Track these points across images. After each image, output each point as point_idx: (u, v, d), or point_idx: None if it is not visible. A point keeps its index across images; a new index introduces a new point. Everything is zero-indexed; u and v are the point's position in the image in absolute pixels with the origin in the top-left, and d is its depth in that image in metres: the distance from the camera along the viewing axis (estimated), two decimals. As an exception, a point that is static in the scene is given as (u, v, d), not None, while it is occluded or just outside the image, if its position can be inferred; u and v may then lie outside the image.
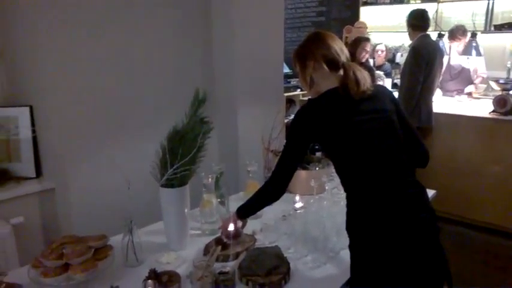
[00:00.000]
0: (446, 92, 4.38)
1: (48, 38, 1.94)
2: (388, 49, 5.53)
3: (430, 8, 5.06)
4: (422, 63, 3.54)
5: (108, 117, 2.15)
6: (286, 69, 5.40)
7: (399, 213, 1.31)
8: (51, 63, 1.97)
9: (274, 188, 1.49)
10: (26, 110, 2.11)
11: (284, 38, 2.85)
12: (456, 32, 4.27)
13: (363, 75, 1.38)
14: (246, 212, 1.58)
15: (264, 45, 2.64)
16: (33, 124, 2.13)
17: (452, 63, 4.39)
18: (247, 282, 1.37)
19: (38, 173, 2.15)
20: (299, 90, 5.59)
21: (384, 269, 1.30)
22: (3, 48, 2.16)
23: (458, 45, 4.29)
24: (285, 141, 1.48)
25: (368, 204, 1.33)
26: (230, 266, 1.41)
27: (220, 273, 1.35)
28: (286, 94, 4.86)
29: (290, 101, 5.57)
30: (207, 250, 1.56)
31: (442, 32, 4.38)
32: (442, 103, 4.09)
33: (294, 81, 5.65)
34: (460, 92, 4.36)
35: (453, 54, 4.38)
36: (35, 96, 2.10)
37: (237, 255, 1.51)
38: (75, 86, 2.03)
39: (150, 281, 1.24)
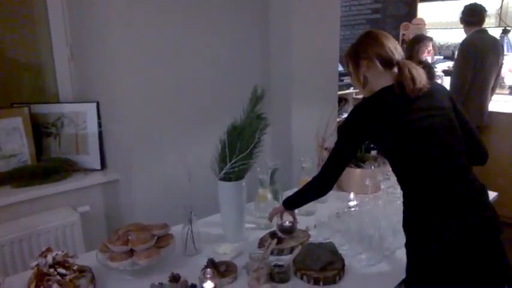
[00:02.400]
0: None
1: (115, 39, 2.06)
2: (440, 46, 5.35)
3: (494, 3, 4.83)
4: (470, 59, 3.39)
5: (170, 113, 2.25)
6: (340, 68, 5.34)
7: (460, 212, 1.28)
8: (117, 63, 2.09)
9: (321, 184, 1.51)
10: (93, 106, 2.25)
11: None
12: None
13: (419, 73, 1.36)
14: (291, 203, 1.61)
15: (320, 44, 2.64)
16: (99, 119, 2.26)
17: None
18: (302, 276, 1.39)
19: (103, 165, 2.28)
20: (352, 88, 5.51)
21: (441, 268, 1.28)
22: (74, 46, 2.31)
23: None
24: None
25: (426, 202, 1.31)
26: (285, 259, 1.44)
27: (276, 265, 1.38)
28: (339, 92, 4.81)
29: (343, 100, 5.50)
30: (261, 243, 1.59)
31: (508, 28, 4.16)
32: (505, 102, 3.89)
33: (347, 80, 5.58)
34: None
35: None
36: (102, 93, 2.22)
37: (291, 250, 1.54)
38: (139, 84, 2.14)
39: (209, 269, 1.29)
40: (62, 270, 1.28)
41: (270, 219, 1.66)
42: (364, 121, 1.38)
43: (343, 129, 1.45)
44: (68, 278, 1.28)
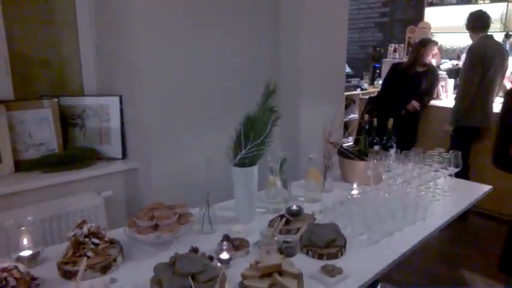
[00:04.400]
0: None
1: (138, 36, 2.24)
2: (446, 50, 5.49)
3: (499, 8, 4.95)
4: (478, 64, 3.55)
5: (187, 106, 2.43)
6: (347, 69, 5.51)
7: None
8: (140, 58, 2.26)
9: None
10: (116, 99, 2.43)
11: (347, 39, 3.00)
12: None
13: None
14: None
15: (328, 45, 2.80)
16: (121, 112, 2.44)
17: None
18: (307, 252, 1.54)
19: (124, 154, 2.46)
20: (359, 89, 5.67)
21: None
22: (99, 44, 2.49)
23: None
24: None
25: None
26: (292, 237, 1.59)
27: (284, 241, 1.53)
28: (346, 93, 4.98)
29: (350, 100, 5.65)
30: (271, 224, 1.75)
31: (510, 32, 4.30)
32: None
33: (354, 81, 5.74)
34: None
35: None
36: (124, 87, 2.40)
37: (297, 230, 1.69)
38: (159, 79, 2.31)
39: (225, 242, 1.46)
40: (95, 240, 1.45)
41: None
42: None
43: None
44: (100, 247, 1.44)
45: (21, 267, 1.28)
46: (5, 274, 1.21)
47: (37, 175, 2.19)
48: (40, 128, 2.31)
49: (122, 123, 2.44)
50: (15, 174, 2.18)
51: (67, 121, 2.44)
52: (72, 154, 2.33)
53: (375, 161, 2.25)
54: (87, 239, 1.44)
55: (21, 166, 2.22)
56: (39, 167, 2.24)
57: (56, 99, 2.34)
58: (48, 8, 2.44)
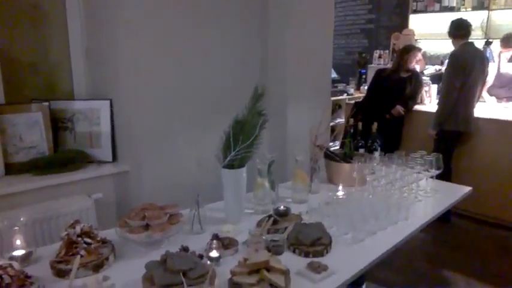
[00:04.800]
0: (498, 99, 4.44)
1: (127, 41, 2.28)
2: (430, 56, 5.64)
3: (480, 16, 5.10)
4: (459, 70, 3.67)
5: (178, 110, 2.47)
6: (334, 74, 5.61)
7: None
8: (129, 63, 2.31)
9: None
10: (107, 103, 2.46)
11: (333, 45, 3.09)
12: (508, 40, 4.33)
13: None
14: None
15: (314, 51, 2.88)
16: (112, 115, 2.47)
17: (502, 71, 4.44)
18: (294, 250, 1.60)
19: (114, 157, 2.49)
20: (345, 94, 5.76)
21: None
22: (89, 48, 2.52)
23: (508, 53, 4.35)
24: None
25: None
26: (280, 236, 1.65)
27: (272, 240, 1.59)
28: (332, 98, 5.07)
29: (336, 105, 5.74)
30: (259, 224, 1.80)
31: (490, 40, 4.44)
32: (488, 109, 4.16)
33: (340, 86, 5.84)
34: (511, 99, 4.39)
35: (503, 62, 4.43)
36: (115, 91, 2.44)
37: (285, 230, 1.75)
38: (149, 83, 2.35)
39: (215, 241, 1.50)
40: (87, 240, 1.48)
41: None
42: None
43: None
44: (92, 246, 1.48)
45: (16, 265, 1.31)
46: (0, 271, 1.24)
47: (28, 178, 2.21)
48: (31, 131, 2.33)
49: (112, 127, 2.47)
50: (5, 177, 2.20)
51: (57, 124, 2.46)
52: (63, 157, 2.35)
53: (360, 163, 2.33)
54: (79, 239, 1.48)
55: (12, 169, 2.24)
56: (29, 169, 2.26)
57: (46, 103, 2.37)
58: (38, 11, 2.46)
